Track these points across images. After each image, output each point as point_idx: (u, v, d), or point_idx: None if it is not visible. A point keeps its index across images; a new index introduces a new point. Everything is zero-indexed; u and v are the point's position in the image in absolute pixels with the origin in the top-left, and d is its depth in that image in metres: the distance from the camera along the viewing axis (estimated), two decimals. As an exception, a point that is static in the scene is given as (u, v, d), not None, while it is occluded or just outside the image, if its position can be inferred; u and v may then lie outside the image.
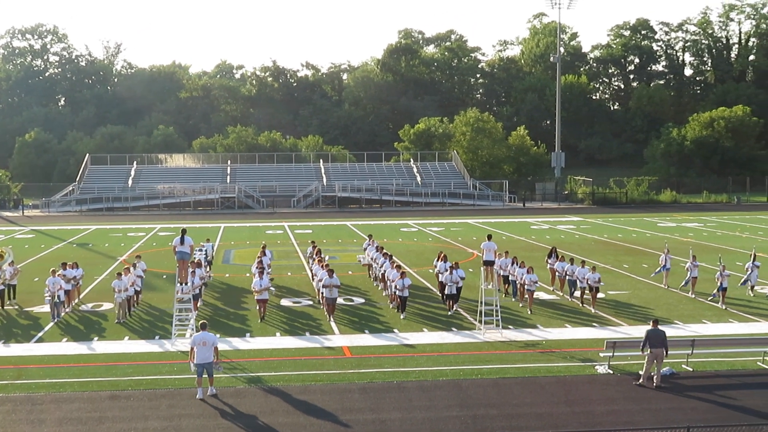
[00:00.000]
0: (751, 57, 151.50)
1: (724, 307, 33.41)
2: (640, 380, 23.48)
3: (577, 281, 34.44)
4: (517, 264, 35.88)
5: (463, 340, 28.55)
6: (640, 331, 29.66)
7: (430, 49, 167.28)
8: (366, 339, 28.80)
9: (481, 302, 29.55)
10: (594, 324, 30.95)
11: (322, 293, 32.55)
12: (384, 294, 36.01)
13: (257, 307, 32.09)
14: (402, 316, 31.76)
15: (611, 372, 24.43)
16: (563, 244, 54.91)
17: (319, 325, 30.86)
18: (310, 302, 35.46)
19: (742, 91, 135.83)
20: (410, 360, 25.90)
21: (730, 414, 20.74)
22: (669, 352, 25.50)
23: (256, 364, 25.55)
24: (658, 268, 39.27)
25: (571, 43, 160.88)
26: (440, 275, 34.88)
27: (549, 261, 37.98)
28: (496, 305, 29.78)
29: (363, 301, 35.83)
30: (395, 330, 30.04)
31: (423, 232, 65.70)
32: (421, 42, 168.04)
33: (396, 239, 60.18)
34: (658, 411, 21.13)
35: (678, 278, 39.06)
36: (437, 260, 36.49)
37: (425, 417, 20.73)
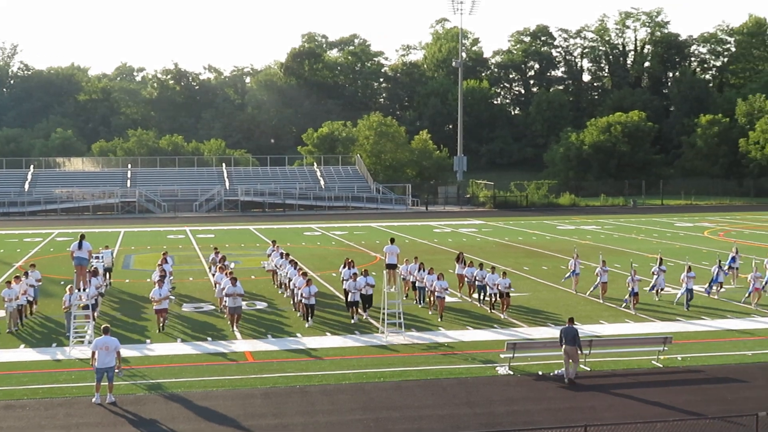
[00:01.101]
0: (647, 63, 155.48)
1: (634, 312, 33.32)
2: (566, 379, 24.06)
3: (487, 287, 34.14)
4: (425, 270, 35.08)
5: (366, 343, 28.61)
6: (539, 332, 30.19)
7: (334, 53, 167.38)
8: (268, 344, 28.64)
9: (384, 305, 29.66)
10: (495, 326, 31.34)
11: (225, 302, 31.61)
12: (291, 303, 34.89)
13: (157, 317, 30.90)
14: (307, 325, 31.11)
15: (512, 373, 24.76)
16: (465, 247, 55.48)
17: (220, 331, 30.59)
18: (213, 307, 35.13)
19: (638, 96, 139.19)
20: (313, 364, 25.85)
21: (627, 412, 21.21)
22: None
23: (157, 370, 25.20)
24: (568, 273, 38.89)
25: (473, 48, 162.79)
26: (344, 282, 33.96)
27: (457, 266, 37.78)
28: (399, 308, 29.92)
29: (265, 305, 35.64)
30: (298, 335, 29.95)
31: (326, 236, 65.67)
32: (324, 46, 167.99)
33: (299, 243, 60.01)
34: (557, 410, 21.49)
35: (588, 283, 38.80)
36: (343, 266, 35.13)
37: (328, 421, 20.71)
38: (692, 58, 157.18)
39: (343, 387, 23.46)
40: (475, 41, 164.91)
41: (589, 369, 25.12)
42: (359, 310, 32.74)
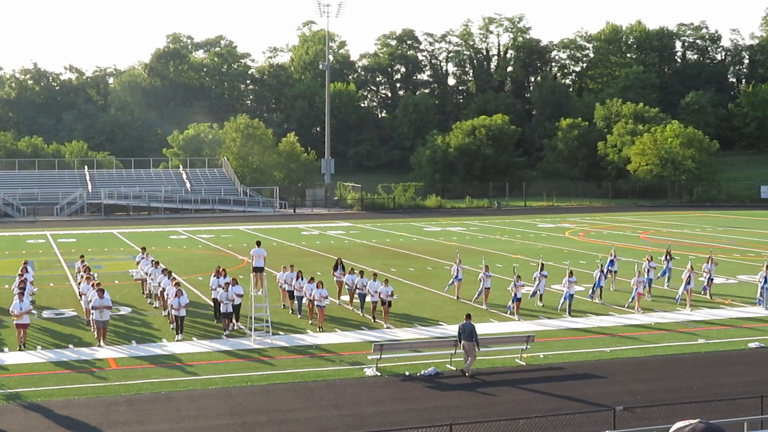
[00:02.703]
0: (509, 68, 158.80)
1: (517, 318, 32.52)
2: (466, 374, 24.72)
3: (368, 295, 32.94)
4: (303, 278, 33.46)
5: (233, 348, 28.36)
6: (406, 333, 30.50)
7: (200, 55, 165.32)
8: (133, 350, 28.10)
9: (252, 309, 29.47)
10: (363, 328, 31.49)
11: (92, 315, 29.51)
12: (164, 315, 33.10)
13: (17, 333, 28.65)
14: (178, 338, 29.31)
15: (379, 374, 24.94)
16: (333, 250, 55.61)
17: (82, 338, 29.84)
18: (75, 313, 34.23)
19: (501, 100, 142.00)
20: (178, 370, 25.48)
21: (491, 410, 21.64)
22: (435, 352, 26.45)
23: (15, 379, 24.41)
24: (451, 280, 37.66)
25: (340, 51, 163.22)
26: (213, 291, 32.48)
27: (335, 273, 36.58)
28: (267, 312, 29.76)
29: (130, 311, 34.95)
30: (163, 340, 29.47)
31: (193, 240, 64.83)
32: (190, 47, 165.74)
33: (165, 247, 59.07)
34: (423, 410, 21.75)
35: (471, 289, 37.59)
36: (214, 275, 33.51)
37: (194, 427, 20.46)
38: (553, 64, 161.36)
39: (209, 392, 23.21)
40: (342, 44, 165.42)
41: (455, 369, 25.51)
42: (234, 321, 31.16)
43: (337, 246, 59.10)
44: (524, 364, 26.23)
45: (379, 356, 25.22)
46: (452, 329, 30.72)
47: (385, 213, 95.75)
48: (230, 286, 31.22)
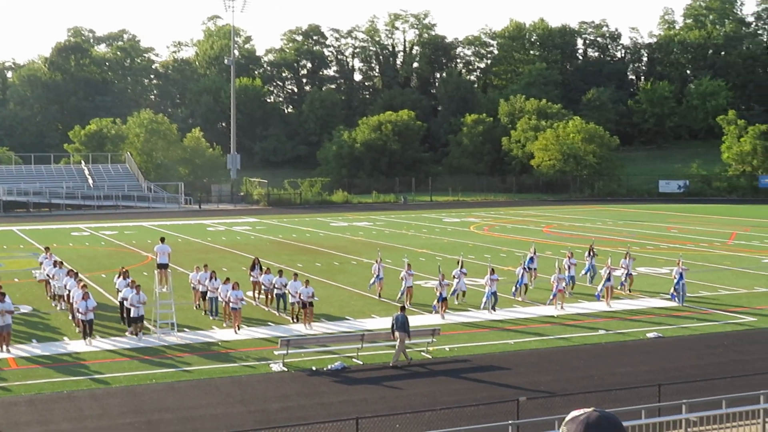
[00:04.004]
0: (415, 64, 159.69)
1: (444, 319, 31.62)
2: (391, 363, 25.17)
3: (289, 295, 32.06)
4: (217, 279, 32.41)
5: (138, 345, 28.01)
6: (311, 328, 30.48)
7: (102, 49, 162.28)
8: (33, 349, 27.54)
9: (157, 306, 29.15)
10: (269, 324, 31.41)
11: None
12: (70, 318, 31.44)
13: None
14: (86, 342, 27.94)
15: (285, 369, 24.93)
16: (239, 245, 55.28)
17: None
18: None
19: (407, 96, 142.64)
20: (81, 369, 25.07)
21: (398, 403, 21.83)
22: (342, 347, 26.55)
23: None
24: (372, 279, 36.61)
25: (246, 46, 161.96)
26: (120, 292, 31.14)
27: (252, 273, 35.52)
28: (172, 308, 29.47)
29: (30, 309, 34.22)
30: (65, 338, 28.95)
31: (95, 236, 63.69)
32: (92, 41, 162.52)
33: (67, 244, 57.91)
34: (330, 405, 21.82)
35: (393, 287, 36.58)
36: (118, 276, 32.51)
37: (97, 426, 20.18)
38: (458, 60, 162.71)
39: (112, 391, 22.90)
40: (248, 39, 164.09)
41: (361, 363, 25.63)
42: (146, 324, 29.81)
43: (243, 242, 58.74)
44: (430, 357, 26.49)
45: (285, 351, 25.21)
46: (358, 324, 30.91)
47: (292, 208, 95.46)
48: (141, 288, 29.43)
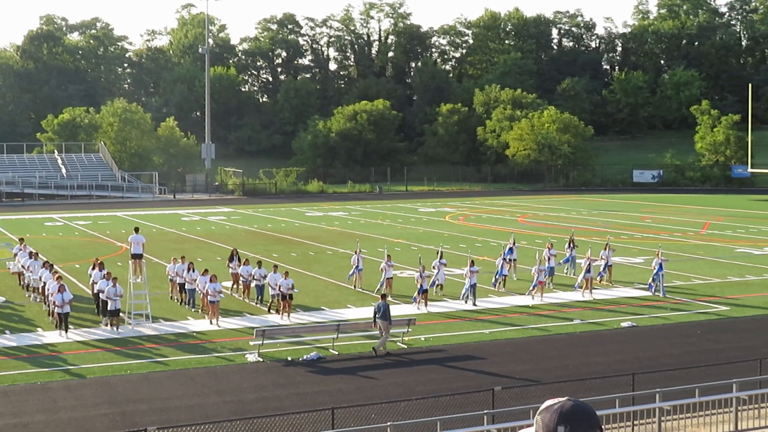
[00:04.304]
0: (390, 54, 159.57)
1: (426, 311, 31.54)
2: (383, 350, 25.34)
3: (268, 287, 31.77)
4: (194, 270, 31.99)
5: (112, 336, 27.88)
6: (290, 320, 30.43)
7: (75, 37, 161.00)
8: (6, 340, 27.35)
9: (131, 296, 29.02)
10: (245, 314, 31.34)
11: None
12: (44, 308, 31.12)
13: None
14: (64, 336, 27.51)
15: (261, 359, 24.89)
16: (214, 235, 55.11)
17: (-47, 328, 28.89)
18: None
19: (383, 85, 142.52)
20: (55, 360, 24.93)
21: (373, 393, 21.85)
22: (317, 337, 26.56)
23: None
24: (352, 270, 36.26)
25: (220, 35, 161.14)
26: (95, 285, 30.38)
27: (230, 265, 35.30)
28: (147, 299, 29.35)
29: (3, 300, 33.97)
30: (39, 329, 28.77)
31: (69, 227, 63.29)
32: (64, 29, 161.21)
33: (40, 234, 57.52)
34: (305, 395, 21.82)
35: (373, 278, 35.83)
36: (92, 268, 32.05)
37: (71, 417, 20.08)
38: (433, 50, 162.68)
39: (87, 382, 22.79)
40: (222, 28, 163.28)
41: (336, 353, 25.63)
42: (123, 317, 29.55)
43: (218, 231, 58.56)
44: (406, 347, 26.54)
45: (261, 342, 25.18)
46: (333, 314, 30.89)
47: (267, 198, 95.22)
48: (117, 281, 29.24)
